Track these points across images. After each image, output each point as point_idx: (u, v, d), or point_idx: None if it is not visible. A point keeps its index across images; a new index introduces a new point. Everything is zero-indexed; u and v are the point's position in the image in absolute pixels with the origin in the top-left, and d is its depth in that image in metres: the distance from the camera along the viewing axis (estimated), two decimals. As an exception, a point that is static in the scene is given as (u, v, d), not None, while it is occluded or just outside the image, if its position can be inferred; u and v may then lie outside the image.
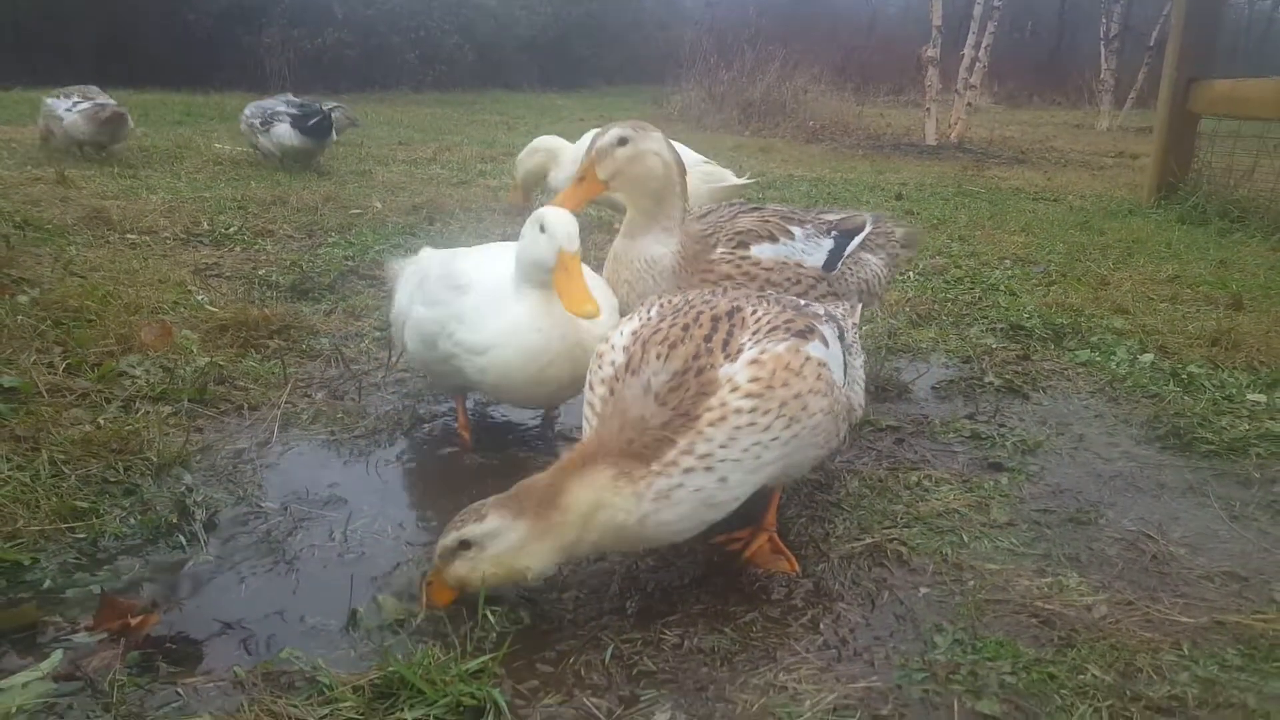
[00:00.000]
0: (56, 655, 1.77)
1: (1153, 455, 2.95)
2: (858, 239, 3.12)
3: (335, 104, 10.15)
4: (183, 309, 3.86)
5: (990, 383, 3.52)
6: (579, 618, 2.00)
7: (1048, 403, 3.39)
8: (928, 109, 13.33)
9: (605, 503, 1.85)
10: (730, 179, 5.44)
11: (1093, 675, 1.82)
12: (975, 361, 3.77)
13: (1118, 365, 3.71)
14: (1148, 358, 3.77)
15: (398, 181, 7.54)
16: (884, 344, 3.89)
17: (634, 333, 2.06)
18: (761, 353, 1.97)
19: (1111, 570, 2.26)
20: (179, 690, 1.72)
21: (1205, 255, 5.81)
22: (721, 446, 1.89)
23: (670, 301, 2.19)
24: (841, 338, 2.31)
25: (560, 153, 5.60)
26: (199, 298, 4.02)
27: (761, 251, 2.88)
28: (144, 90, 15.24)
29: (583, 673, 1.82)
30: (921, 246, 5.87)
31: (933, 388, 3.50)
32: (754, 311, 2.09)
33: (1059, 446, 2.99)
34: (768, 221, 2.95)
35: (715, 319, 2.03)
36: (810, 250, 2.95)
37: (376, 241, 5.31)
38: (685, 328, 2.02)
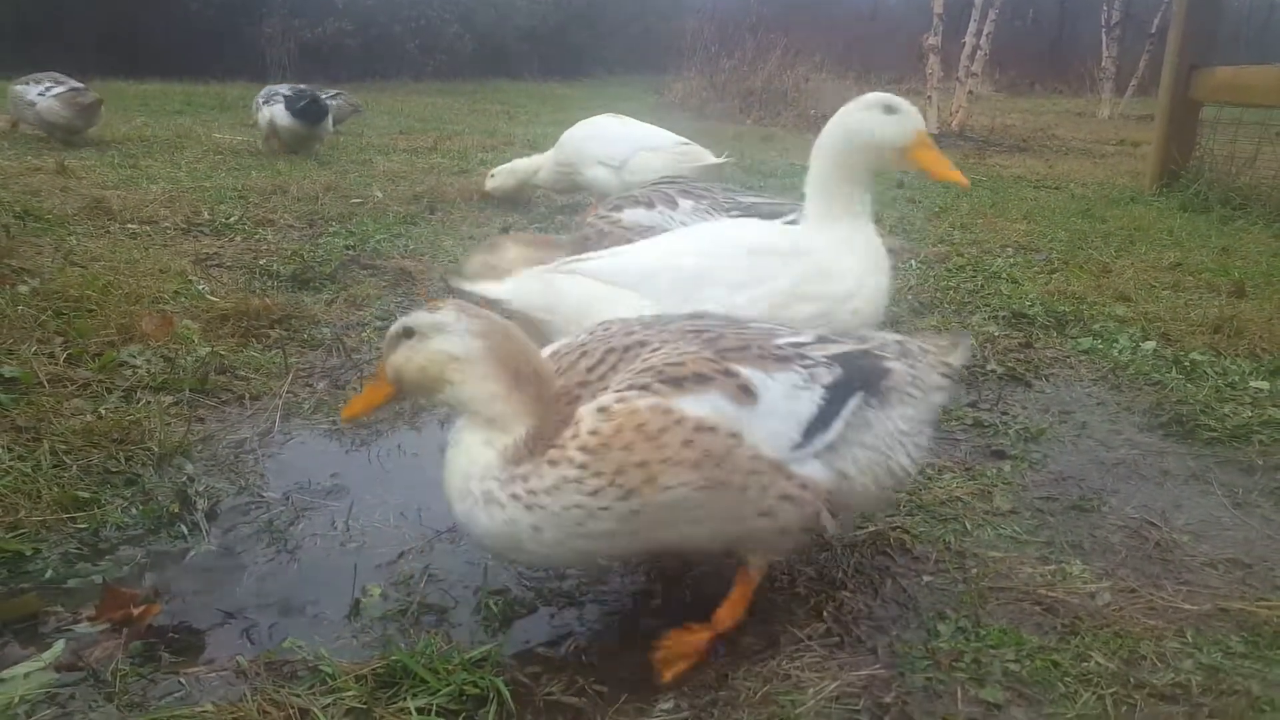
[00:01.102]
0: (59, 645, 1.77)
1: (1155, 442, 2.94)
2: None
3: (337, 91, 10.13)
4: (183, 299, 3.85)
5: (993, 370, 3.52)
6: (581, 604, 2.00)
7: (1050, 390, 3.38)
8: (929, 97, 13.27)
9: (491, 443, 1.73)
10: (708, 158, 5.49)
11: (1096, 663, 1.82)
12: (977, 349, 3.76)
13: (1120, 353, 3.70)
14: (1150, 345, 3.76)
15: (398, 171, 7.52)
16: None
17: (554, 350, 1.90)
18: (617, 401, 1.67)
19: (1115, 557, 2.25)
20: (181, 680, 1.72)
21: (1207, 243, 5.79)
22: (546, 493, 1.66)
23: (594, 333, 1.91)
24: (837, 389, 1.82)
25: (531, 165, 6.00)
26: (200, 287, 4.01)
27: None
28: (144, 80, 15.21)
29: (585, 659, 1.82)
30: (923, 234, 5.86)
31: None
32: (657, 347, 1.76)
33: (1061, 434, 2.99)
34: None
35: (610, 350, 1.79)
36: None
37: (377, 231, 5.29)
38: (584, 354, 1.81)
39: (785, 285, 2.63)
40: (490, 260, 3.15)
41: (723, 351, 1.76)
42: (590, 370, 1.76)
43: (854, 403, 1.85)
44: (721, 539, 1.80)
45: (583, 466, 1.64)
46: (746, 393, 1.71)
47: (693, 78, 16.59)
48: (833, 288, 2.65)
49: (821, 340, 1.94)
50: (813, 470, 1.78)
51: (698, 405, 1.67)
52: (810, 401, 1.78)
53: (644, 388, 1.68)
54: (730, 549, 1.88)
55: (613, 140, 5.53)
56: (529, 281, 2.68)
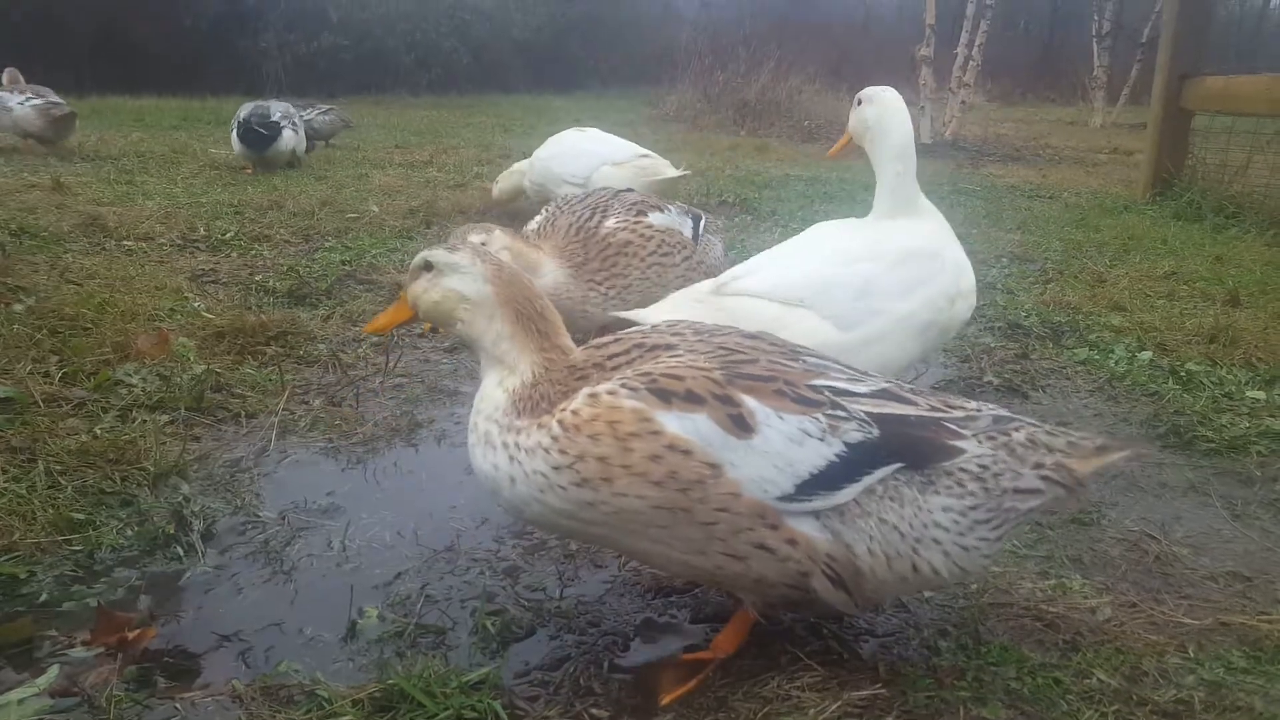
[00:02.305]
0: (53, 670, 1.76)
1: (1153, 454, 2.94)
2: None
3: (329, 106, 10.15)
4: (179, 316, 3.84)
5: (989, 382, 3.52)
6: (579, 625, 1.99)
7: (1047, 401, 3.38)
8: (922, 107, 13.31)
9: (503, 384, 1.82)
10: (668, 171, 5.57)
11: (1098, 680, 1.81)
12: (974, 360, 3.76)
13: (1116, 363, 3.70)
14: (1146, 355, 3.76)
15: (394, 185, 7.52)
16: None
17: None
18: (608, 393, 1.67)
19: (1115, 572, 2.25)
20: (177, 705, 1.70)
21: (1201, 251, 5.80)
22: (525, 451, 1.72)
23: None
24: (864, 450, 1.64)
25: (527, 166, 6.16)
26: (195, 304, 4.00)
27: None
28: (139, 95, 15.22)
29: (583, 681, 1.81)
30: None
31: (932, 387, 3.48)
32: (680, 355, 1.74)
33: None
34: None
35: (638, 345, 1.80)
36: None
37: (373, 245, 5.29)
38: (617, 340, 1.85)
39: (942, 286, 2.72)
40: (484, 243, 3.20)
41: (737, 376, 1.66)
42: (611, 358, 1.78)
43: (883, 473, 1.65)
44: (689, 569, 1.74)
45: (554, 439, 1.68)
46: (740, 425, 1.61)
47: (687, 90, 16.65)
48: (964, 283, 2.77)
49: (883, 395, 1.71)
50: (808, 529, 1.64)
51: (679, 424, 1.61)
52: (818, 454, 1.62)
53: (635, 390, 1.66)
54: (708, 582, 1.84)
55: (575, 157, 5.69)
56: (692, 307, 2.62)
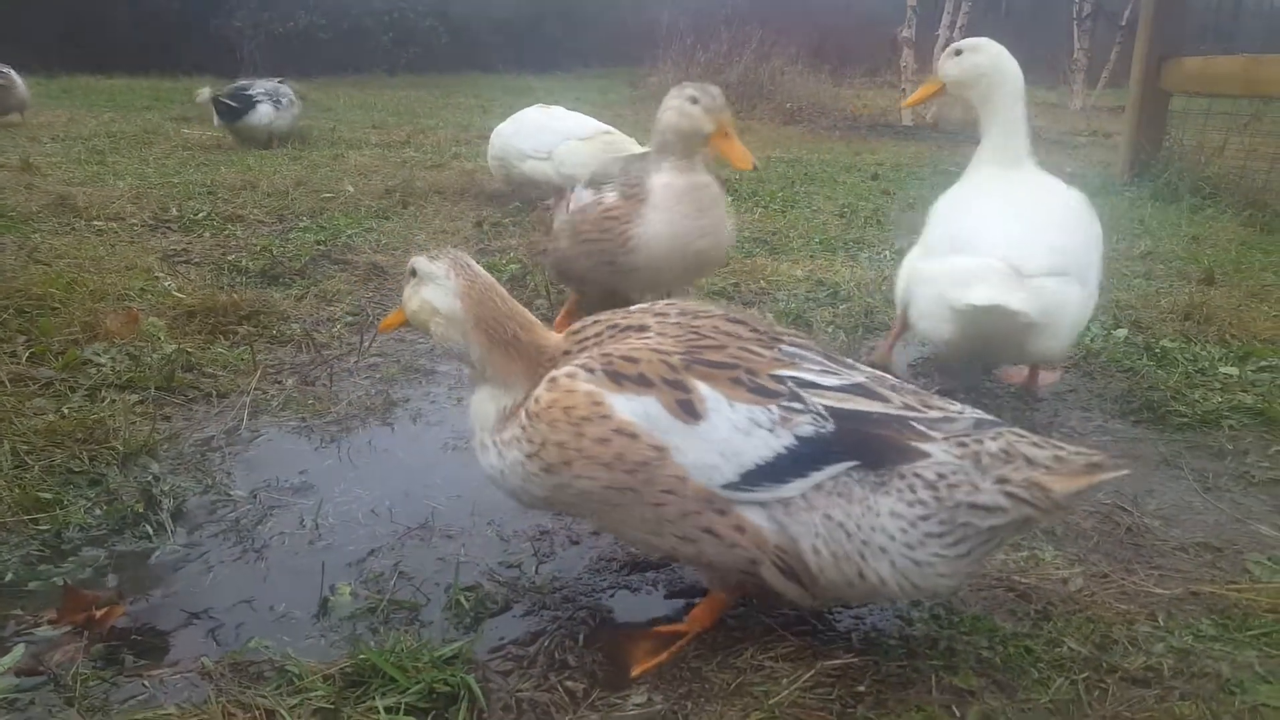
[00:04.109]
0: (18, 650, 1.73)
1: (1127, 429, 2.96)
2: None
3: (280, 79, 9.79)
4: (150, 296, 3.79)
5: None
6: (553, 600, 1.98)
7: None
8: (903, 90, 13.32)
9: (496, 399, 1.86)
10: (632, 146, 5.53)
11: (1069, 648, 1.83)
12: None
13: (1092, 340, 3.72)
14: (1122, 333, 3.78)
15: (371, 165, 7.44)
16: (861, 322, 3.88)
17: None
18: (566, 376, 1.70)
19: (1087, 543, 2.26)
20: (145, 683, 1.68)
21: (1178, 231, 5.84)
22: (505, 444, 1.78)
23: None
24: (815, 445, 1.59)
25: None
26: (166, 284, 3.94)
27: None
28: (112, 75, 14.97)
29: (557, 655, 1.80)
30: (898, 226, 5.87)
31: (909, 365, 3.50)
32: (647, 337, 1.73)
33: (1034, 421, 3.00)
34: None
35: (613, 326, 1.81)
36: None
37: (349, 225, 5.24)
38: (596, 321, 1.86)
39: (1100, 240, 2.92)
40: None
41: (696, 362, 1.64)
42: (587, 339, 1.80)
43: (832, 470, 1.59)
44: (655, 549, 1.78)
45: (523, 429, 1.73)
46: (689, 410, 1.61)
47: (668, 71, 16.53)
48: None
49: (854, 389, 1.64)
50: (756, 519, 1.62)
51: (628, 406, 1.63)
52: (766, 445, 1.59)
53: (591, 372, 1.68)
54: (676, 560, 1.85)
55: (538, 132, 5.69)
56: (1011, 290, 2.58)
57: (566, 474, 1.68)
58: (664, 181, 3.17)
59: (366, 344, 3.43)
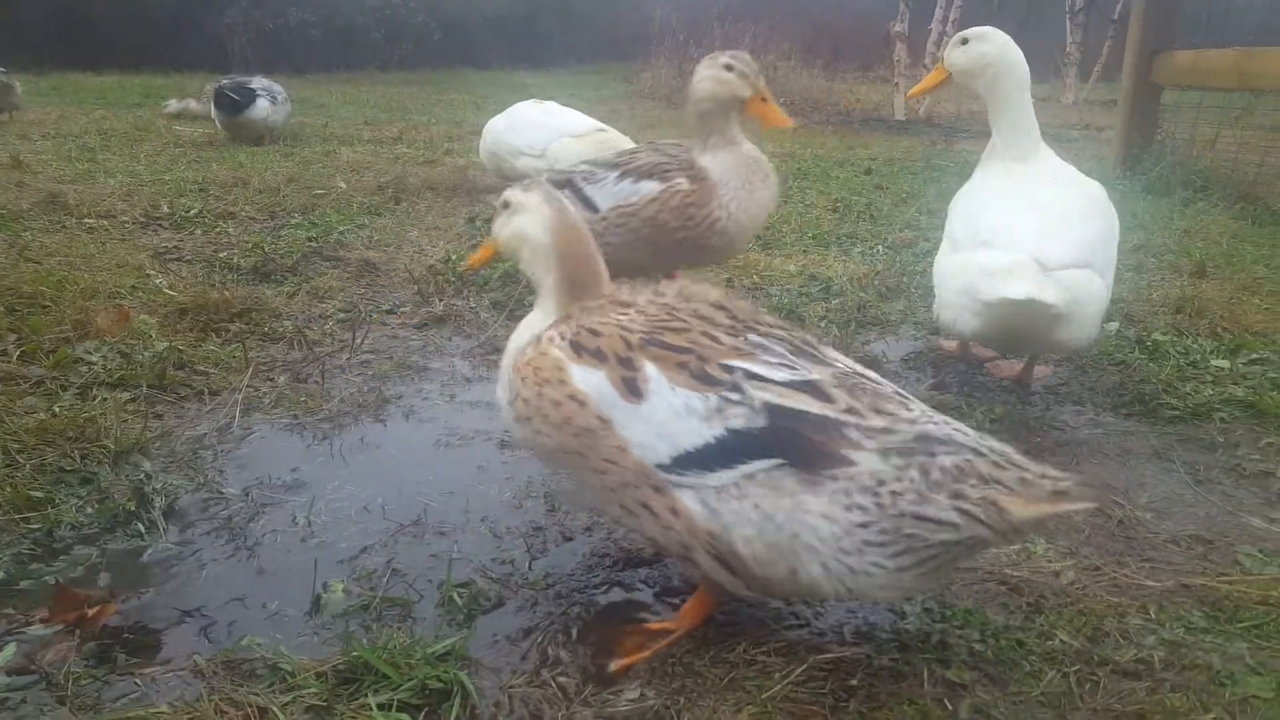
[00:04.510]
0: (10, 649, 1.73)
1: (1118, 422, 2.97)
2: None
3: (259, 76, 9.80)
4: (141, 293, 3.77)
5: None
6: (546, 596, 1.98)
7: (1016, 373, 3.40)
8: (896, 84, 13.33)
9: (534, 328, 1.94)
10: (626, 144, 5.50)
11: (1061, 641, 1.83)
12: (943, 333, 3.77)
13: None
14: (1113, 326, 3.79)
15: (363, 161, 7.42)
16: (854, 317, 3.89)
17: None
18: (547, 339, 1.82)
19: (1079, 536, 2.27)
20: (137, 681, 1.68)
21: (1170, 225, 5.85)
22: (502, 386, 1.95)
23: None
24: (745, 438, 1.58)
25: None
26: (158, 282, 3.93)
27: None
28: (103, 72, 14.91)
29: (550, 651, 1.80)
30: (891, 220, 5.88)
31: (902, 359, 3.50)
32: (625, 310, 1.81)
33: (1026, 415, 3.00)
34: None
35: (613, 300, 1.88)
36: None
37: (341, 222, 5.22)
38: (617, 291, 1.95)
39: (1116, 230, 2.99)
40: None
41: (653, 343, 1.68)
42: (587, 309, 1.88)
43: (758, 465, 1.57)
44: (610, 517, 1.89)
45: (510, 380, 1.89)
46: (631, 389, 1.66)
47: (661, 67, 16.52)
48: None
49: (802, 386, 1.61)
50: (689, 502, 1.63)
51: (582, 377, 1.72)
52: (697, 433, 1.60)
53: (563, 340, 1.80)
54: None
55: (531, 128, 5.65)
56: (1058, 285, 2.63)
57: (529, 429, 1.82)
58: (724, 160, 3.36)
59: (359, 341, 3.42)
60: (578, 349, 1.75)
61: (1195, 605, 1.98)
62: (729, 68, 3.24)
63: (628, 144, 5.52)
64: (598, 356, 1.72)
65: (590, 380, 1.71)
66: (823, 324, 3.79)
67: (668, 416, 1.63)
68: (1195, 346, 3.56)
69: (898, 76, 13.34)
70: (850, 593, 1.59)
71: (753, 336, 1.72)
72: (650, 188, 3.39)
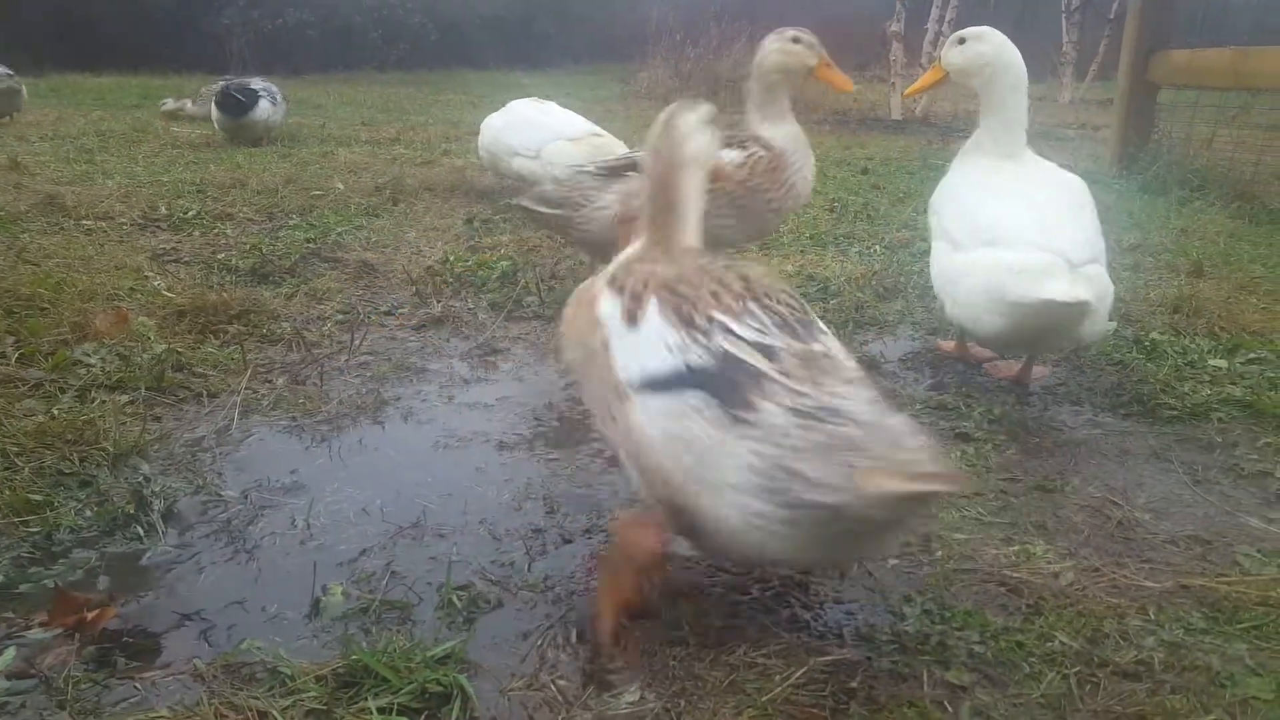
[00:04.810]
0: (9, 653, 1.72)
1: (1116, 422, 2.97)
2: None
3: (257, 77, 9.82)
4: (139, 295, 3.77)
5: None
6: (545, 599, 1.98)
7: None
8: (893, 84, 13.33)
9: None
10: (620, 149, 5.48)
11: (1060, 642, 1.83)
12: (941, 333, 3.78)
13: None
14: (1111, 325, 3.79)
15: (360, 162, 7.42)
16: (851, 317, 3.89)
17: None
18: (600, 275, 2.13)
19: (1078, 537, 2.27)
20: (137, 685, 1.68)
21: (1166, 224, 5.86)
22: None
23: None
24: (696, 376, 1.74)
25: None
26: (156, 283, 3.92)
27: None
28: (101, 73, 14.89)
29: (550, 654, 1.80)
30: (888, 220, 5.88)
31: (900, 359, 3.50)
32: (662, 266, 2.00)
33: (1024, 416, 3.01)
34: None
35: (686, 260, 2.08)
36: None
37: (339, 223, 5.22)
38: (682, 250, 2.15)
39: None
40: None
41: (665, 288, 1.92)
42: (642, 261, 2.09)
43: (695, 396, 1.72)
44: (603, 435, 2.06)
45: (567, 305, 2.17)
46: (631, 318, 1.92)
47: (658, 67, 16.52)
48: None
49: (756, 347, 1.75)
50: (638, 413, 1.81)
51: (605, 305, 2.00)
52: (663, 361, 1.82)
53: (610, 281, 2.04)
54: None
55: (527, 129, 5.63)
56: (1087, 282, 2.73)
57: (564, 341, 2.14)
58: (784, 130, 3.65)
59: (357, 342, 3.42)
60: (614, 284, 2.02)
61: (1194, 606, 1.98)
62: (796, 40, 3.58)
63: (622, 149, 5.49)
64: (620, 291, 1.98)
65: (608, 308, 1.98)
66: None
67: (647, 344, 1.86)
68: (1193, 346, 3.57)
69: (894, 76, 13.34)
70: (752, 549, 1.66)
71: (752, 304, 1.87)
72: (733, 155, 3.56)
